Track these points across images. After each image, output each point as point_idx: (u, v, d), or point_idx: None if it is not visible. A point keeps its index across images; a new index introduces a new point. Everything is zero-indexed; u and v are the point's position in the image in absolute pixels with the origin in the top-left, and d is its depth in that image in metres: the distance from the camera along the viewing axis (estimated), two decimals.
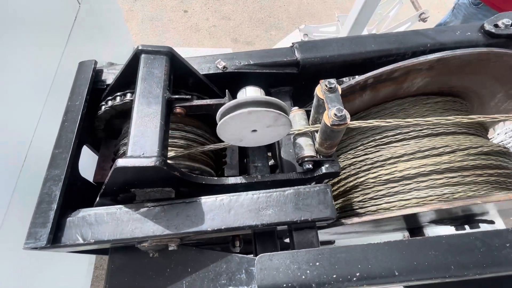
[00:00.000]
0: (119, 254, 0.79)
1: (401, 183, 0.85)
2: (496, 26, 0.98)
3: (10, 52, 1.24)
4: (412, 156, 0.85)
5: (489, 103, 1.05)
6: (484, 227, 1.00)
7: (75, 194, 0.81)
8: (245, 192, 0.75)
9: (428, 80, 0.89)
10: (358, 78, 0.82)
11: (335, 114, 0.63)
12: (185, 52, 0.87)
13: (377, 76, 0.81)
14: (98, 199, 0.76)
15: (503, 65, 0.84)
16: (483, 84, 0.94)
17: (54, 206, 0.71)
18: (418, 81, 0.89)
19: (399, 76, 0.84)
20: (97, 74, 0.95)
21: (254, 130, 0.70)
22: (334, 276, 0.64)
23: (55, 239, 0.70)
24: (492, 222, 1.04)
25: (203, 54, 0.98)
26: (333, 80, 0.69)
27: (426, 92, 0.96)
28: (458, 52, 0.78)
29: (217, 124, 0.69)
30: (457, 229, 0.97)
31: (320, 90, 0.70)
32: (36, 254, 1.40)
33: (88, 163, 1.01)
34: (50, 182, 0.75)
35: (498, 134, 2.36)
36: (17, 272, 1.32)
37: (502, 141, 2.26)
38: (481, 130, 1.00)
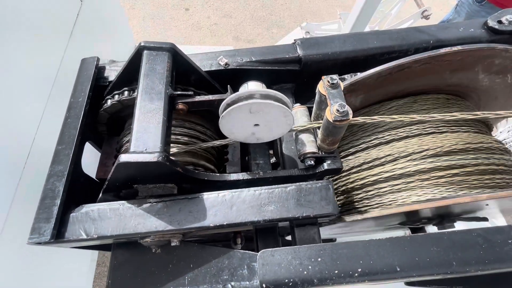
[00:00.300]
0: (121, 249, 0.80)
1: (403, 180, 0.85)
2: (499, 22, 0.97)
3: (12, 50, 1.24)
4: (426, 152, 0.85)
5: (481, 85, 0.97)
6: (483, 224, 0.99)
7: (78, 190, 0.81)
8: (247, 188, 0.75)
9: (364, 96, 0.90)
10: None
11: (337, 110, 0.63)
12: (186, 50, 0.87)
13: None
14: (101, 195, 0.76)
15: (442, 64, 0.82)
16: (446, 79, 0.92)
17: (58, 201, 0.72)
18: (353, 99, 0.90)
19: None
20: (99, 70, 0.96)
21: (257, 125, 0.70)
22: (336, 271, 0.64)
23: (58, 234, 0.70)
24: (485, 219, 1.03)
25: (204, 52, 0.98)
26: (335, 76, 0.68)
27: (381, 99, 0.95)
28: (363, 75, 0.79)
29: (219, 118, 0.69)
30: (439, 229, 0.97)
31: (322, 86, 0.70)
32: (39, 251, 1.41)
33: (90, 161, 1.02)
34: (53, 178, 0.75)
35: (500, 132, 2.35)
36: (20, 269, 1.33)
37: (504, 139, 2.26)
38: (482, 127, 0.99)
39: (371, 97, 0.93)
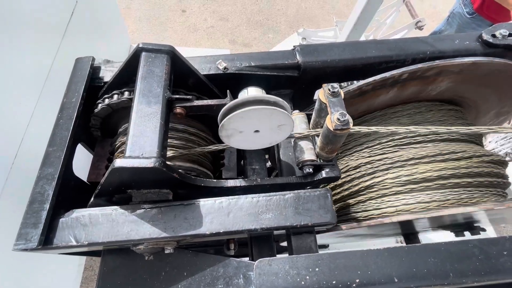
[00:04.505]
0: (112, 255, 0.77)
1: (406, 187, 0.86)
2: (493, 36, 0.99)
3: (4, 47, 1.21)
4: (420, 161, 0.86)
5: (481, 119, 1.08)
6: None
7: (69, 194, 0.78)
8: (244, 195, 0.74)
9: (451, 86, 0.90)
10: (394, 71, 0.81)
11: (338, 119, 0.63)
12: (182, 52, 0.85)
13: (412, 71, 0.81)
14: (92, 199, 0.73)
15: (504, 76, 0.85)
16: (487, 98, 0.95)
17: (47, 206, 0.69)
18: (443, 84, 0.89)
19: (431, 75, 0.84)
20: (94, 71, 0.93)
21: (256, 131, 0.69)
22: (334, 282, 0.63)
23: (46, 241, 0.67)
24: (483, 229, 1.05)
25: (200, 54, 0.97)
26: (336, 85, 0.68)
27: (440, 99, 0.97)
28: (496, 60, 0.81)
29: (218, 124, 0.68)
30: (457, 235, 0.98)
31: (323, 94, 0.69)
32: (25, 255, 1.36)
33: (81, 162, 0.98)
34: (43, 181, 0.72)
35: (489, 142, 2.41)
36: (5, 274, 1.28)
37: (493, 149, 2.31)
38: (480, 139, 1.02)
39: (447, 92, 0.94)
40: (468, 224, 0.98)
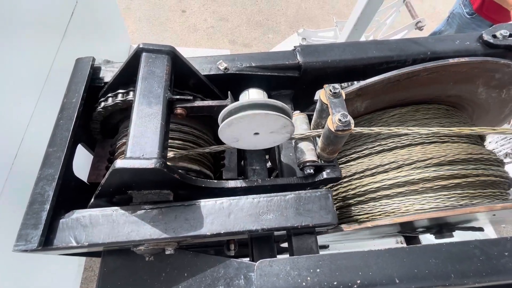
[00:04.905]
0: (112, 256, 0.77)
1: (406, 188, 0.85)
2: (494, 36, 0.99)
3: (4, 47, 1.20)
4: (415, 161, 0.85)
5: (478, 98, 1.01)
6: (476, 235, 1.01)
7: (69, 194, 0.78)
8: (245, 196, 0.73)
9: (370, 101, 0.91)
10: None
11: (340, 120, 0.63)
12: (182, 52, 0.85)
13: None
14: (93, 200, 0.73)
15: (448, 74, 0.84)
16: (447, 90, 0.93)
17: (47, 206, 0.69)
18: (359, 104, 0.90)
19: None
20: (94, 71, 0.93)
21: (256, 133, 0.68)
22: (335, 283, 0.63)
23: (47, 241, 0.67)
24: (481, 229, 1.05)
25: (200, 54, 0.97)
26: (337, 85, 0.68)
27: (385, 106, 0.97)
28: (374, 80, 0.80)
29: (218, 126, 0.68)
30: (436, 238, 0.98)
31: (324, 95, 0.69)
32: (25, 255, 1.36)
33: (81, 163, 0.98)
34: (43, 182, 0.72)
35: (489, 142, 2.41)
36: (5, 274, 1.27)
37: (493, 149, 2.31)
38: (475, 138, 1.01)
39: (377, 103, 0.94)
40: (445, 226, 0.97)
